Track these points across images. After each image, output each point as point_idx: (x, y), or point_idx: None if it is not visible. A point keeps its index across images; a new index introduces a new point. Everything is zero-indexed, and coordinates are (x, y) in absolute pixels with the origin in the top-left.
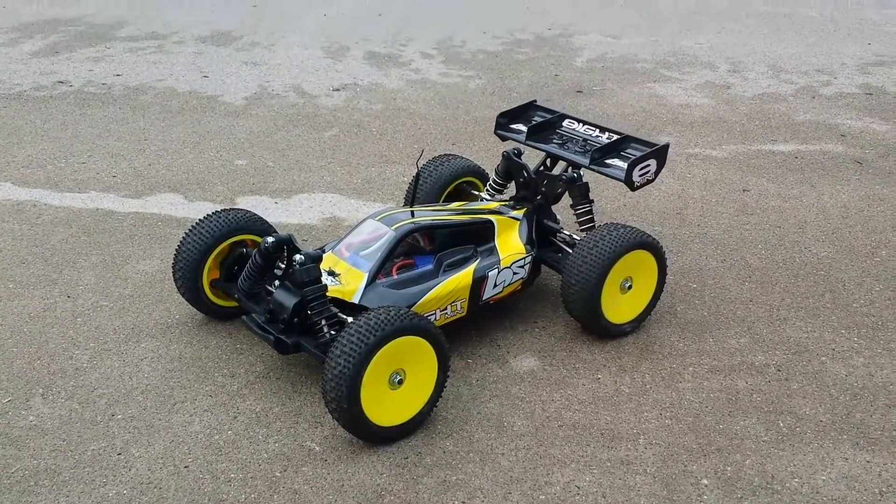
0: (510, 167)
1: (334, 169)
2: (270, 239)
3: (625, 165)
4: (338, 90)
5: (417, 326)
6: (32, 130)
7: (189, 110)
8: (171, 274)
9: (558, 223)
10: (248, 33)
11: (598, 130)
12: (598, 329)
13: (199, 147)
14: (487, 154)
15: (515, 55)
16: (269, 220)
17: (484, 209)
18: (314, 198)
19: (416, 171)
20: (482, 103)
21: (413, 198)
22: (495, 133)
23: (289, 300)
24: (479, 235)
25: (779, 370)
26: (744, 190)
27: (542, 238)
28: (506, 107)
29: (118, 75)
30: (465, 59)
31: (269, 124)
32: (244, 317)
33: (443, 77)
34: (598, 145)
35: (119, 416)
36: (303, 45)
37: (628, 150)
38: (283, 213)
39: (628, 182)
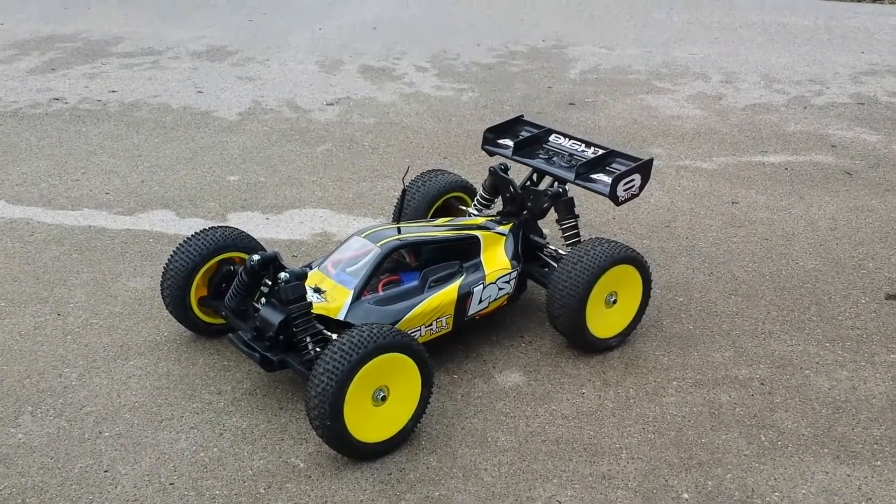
0: (497, 182)
1: (326, 184)
2: (256, 257)
3: (609, 180)
4: (331, 104)
5: (400, 343)
6: (27, 148)
7: (183, 126)
8: (160, 291)
9: (544, 238)
10: (242, 48)
11: (584, 145)
12: (583, 343)
13: (192, 163)
14: (479, 168)
15: (509, 67)
16: (259, 236)
17: (470, 224)
18: (305, 213)
19: (403, 187)
20: (475, 116)
21: (399, 214)
22: (482, 148)
23: (274, 317)
24: (465, 251)
25: (762, 384)
26: (732, 202)
27: (528, 253)
28: (498, 120)
29: (113, 91)
30: (459, 71)
31: (262, 139)
32: (230, 334)
33: (436, 90)
34: (584, 160)
35: (106, 434)
36: (297, 59)
37: (613, 165)
38: (274, 229)
39: (612, 197)
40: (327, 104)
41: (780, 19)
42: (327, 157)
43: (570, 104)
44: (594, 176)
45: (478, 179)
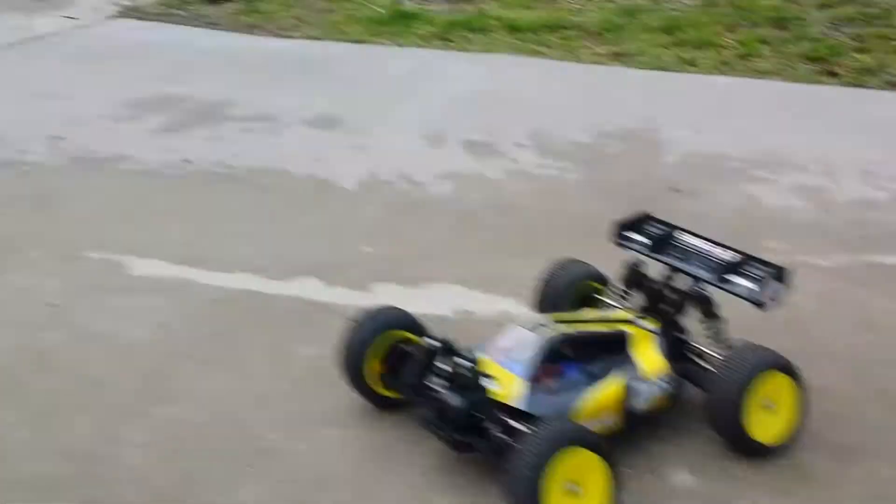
0: (634, 277)
1: (454, 259)
2: (432, 340)
3: (751, 284)
4: (442, 179)
5: (590, 440)
6: (166, 208)
7: (310, 194)
8: (338, 364)
9: (686, 333)
10: (350, 117)
11: (715, 245)
12: (743, 447)
13: (327, 232)
14: (598, 253)
15: (606, 148)
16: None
17: (617, 318)
18: (441, 288)
19: (544, 277)
20: (582, 196)
21: (543, 303)
22: (614, 242)
23: (457, 401)
24: (615, 345)
25: None
26: (860, 304)
27: (676, 351)
28: (605, 203)
29: (237, 155)
30: (558, 150)
31: (385, 211)
32: (420, 412)
33: (539, 168)
34: (720, 261)
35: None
36: (402, 130)
37: (750, 269)
38: (416, 303)
39: (757, 302)
40: (439, 178)
41: (876, 111)
42: (450, 232)
43: (675, 190)
44: (734, 279)
45: (594, 261)
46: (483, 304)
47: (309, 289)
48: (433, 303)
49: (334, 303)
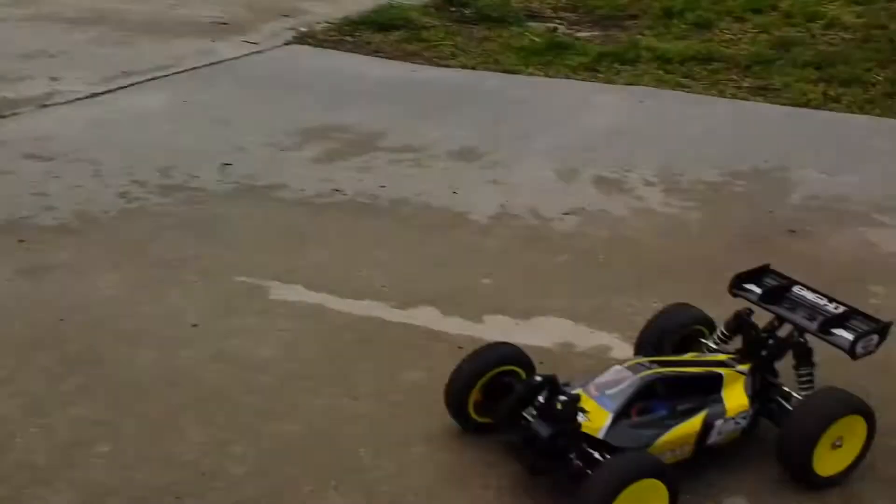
0: (741, 325)
1: (567, 294)
2: (539, 378)
3: (850, 336)
4: (568, 214)
5: (658, 469)
6: (314, 236)
7: (443, 226)
8: (445, 391)
9: (777, 377)
10: (489, 150)
11: (826, 300)
12: (804, 480)
13: (452, 263)
14: (706, 296)
15: (733, 187)
16: (510, 340)
17: (714, 360)
18: (549, 322)
19: (652, 318)
20: (700, 236)
21: (647, 344)
22: (729, 292)
23: (546, 430)
24: (708, 385)
25: None
26: None
27: (762, 392)
28: (722, 243)
29: (383, 186)
30: (685, 188)
31: (509, 244)
32: (511, 437)
33: (663, 207)
34: (826, 314)
35: None
36: (537, 165)
37: (853, 322)
38: (522, 334)
39: (851, 353)
40: (564, 214)
41: None
42: (567, 267)
43: (792, 231)
44: (835, 330)
45: (703, 302)
46: (586, 337)
47: (426, 318)
48: (538, 334)
49: (446, 332)
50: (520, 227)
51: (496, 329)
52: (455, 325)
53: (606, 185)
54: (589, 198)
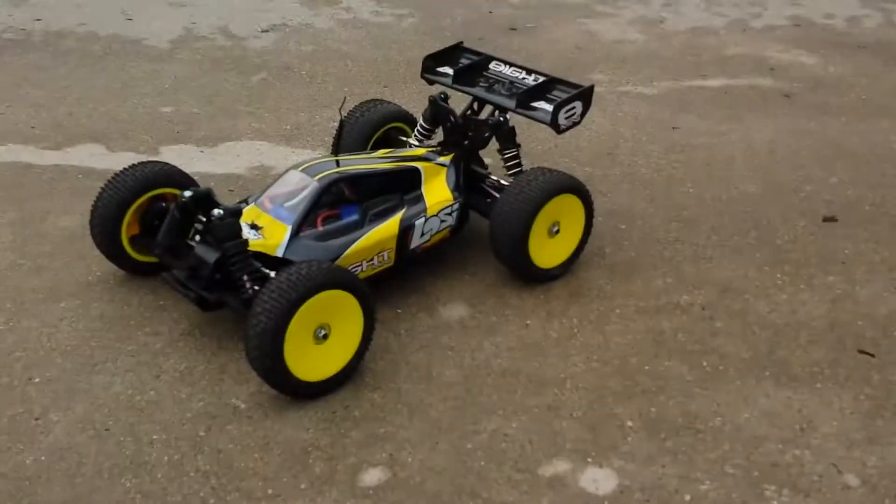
0: (437, 112)
1: (262, 115)
2: (188, 193)
3: (551, 108)
4: (266, 31)
5: (340, 280)
6: None
7: (112, 55)
8: (90, 230)
9: (486, 168)
10: None
11: (525, 73)
12: (526, 274)
13: (122, 94)
14: (420, 97)
15: None
16: (194, 170)
17: (411, 156)
18: (241, 146)
19: (340, 118)
20: (414, 43)
21: (337, 146)
22: (422, 76)
23: (209, 256)
24: (405, 183)
25: (703, 309)
26: (673, 128)
27: (470, 184)
28: (439, 47)
29: (38, 20)
30: None
31: (195, 69)
32: (164, 273)
33: (375, 16)
34: (525, 88)
35: (37, 380)
36: None
37: (554, 93)
38: (209, 163)
39: (554, 125)
40: (262, 31)
41: None
42: (263, 86)
43: (512, 29)
44: (536, 104)
45: (418, 109)
46: (283, 158)
47: (87, 157)
48: (226, 161)
49: (112, 169)
50: (207, 50)
51: (175, 160)
52: (124, 161)
53: None
54: (290, 13)
